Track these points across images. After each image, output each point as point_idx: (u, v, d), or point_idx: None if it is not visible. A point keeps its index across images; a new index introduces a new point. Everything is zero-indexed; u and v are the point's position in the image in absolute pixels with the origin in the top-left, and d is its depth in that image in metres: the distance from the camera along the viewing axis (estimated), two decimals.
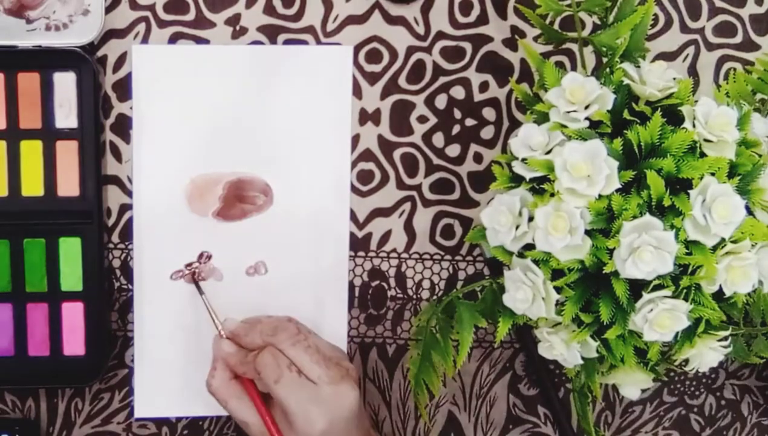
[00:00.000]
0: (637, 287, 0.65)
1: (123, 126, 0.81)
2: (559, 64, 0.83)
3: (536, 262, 0.66)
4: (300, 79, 0.82)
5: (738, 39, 0.85)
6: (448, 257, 0.85)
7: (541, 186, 0.66)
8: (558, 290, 0.66)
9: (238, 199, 0.82)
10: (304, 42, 0.82)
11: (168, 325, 0.82)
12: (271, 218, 0.82)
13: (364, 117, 0.83)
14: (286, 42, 0.82)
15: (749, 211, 0.66)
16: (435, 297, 0.85)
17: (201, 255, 0.82)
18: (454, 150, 0.84)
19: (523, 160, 0.67)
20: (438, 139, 0.84)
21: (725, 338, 0.69)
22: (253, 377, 0.75)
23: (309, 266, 0.83)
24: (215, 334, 0.78)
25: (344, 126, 0.82)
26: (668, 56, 0.84)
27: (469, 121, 0.84)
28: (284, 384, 0.73)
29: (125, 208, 0.82)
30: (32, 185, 0.80)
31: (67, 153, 0.80)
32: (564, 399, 0.86)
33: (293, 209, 0.82)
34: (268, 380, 0.73)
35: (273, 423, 0.74)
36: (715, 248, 0.65)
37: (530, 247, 0.66)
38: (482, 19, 0.83)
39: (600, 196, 0.64)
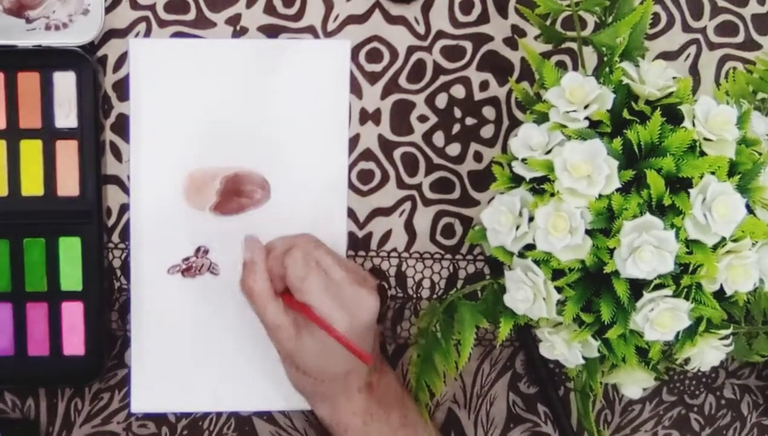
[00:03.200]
0: (637, 287, 0.65)
1: (123, 126, 0.81)
2: (561, 64, 0.83)
3: (537, 262, 0.66)
4: (298, 73, 0.82)
5: (740, 38, 0.85)
6: (448, 256, 0.85)
7: (541, 186, 0.66)
8: (559, 289, 0.66)
9: (236, 194, 0.82)
10: None
11: (165, 319, 0.82)
12: (268, 212, 0.82)
13: (365, 117, 0.83)
14: None
15: (749, 210, 0.66)
16: (435, 297, 0.85)
17: (198, 249, 0.82)
18: (454, 149, 0.84)
19: (523, 160, 0.67)
20: (438, 138, 0.84)
21: (726, 337, 0.69)
22: (279, 273, 0.76)
23: None
24: (245, 236, 0.77)
25: (342, 120, 0.82)
26: (670, 56, 0.84)
27: (469, 121, 0.84)
28: (311, 281, 0.74)
29: (125, 208, 0.82)
30: (32, 185, 0.80)
31: (67, 153, 0.80)
32: (563, 398, 0.86)
33: (291, 204, 0.82)
34: (295, 276, 0.74)
35: (320, 319, 0.74)
36: (715, 247, 0.65)
37: (531, 247, 0.66)
38: (483, 19, 0.83)
39: (600, 196, 0.64)
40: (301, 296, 0.74)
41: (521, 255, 0.67)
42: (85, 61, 0.78)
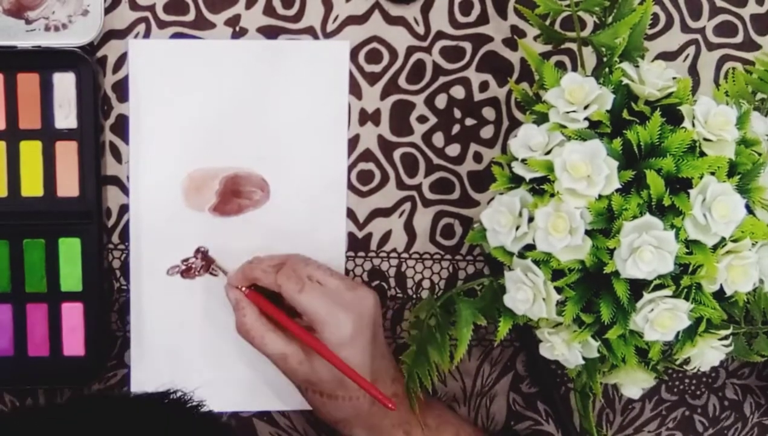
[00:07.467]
0: (637, 287, 0.65)
1: (123, 126, 0.81)
2: (560, 64, 0.83)
3: (537, 262, 0.66)
4: (297, 74, 0.81)
5: (739, 39, 0.85)
6: (448, 256, 0.85)
7: (541, 186, 0.66)
8: (559, 290, 0.66)
9: (235, 195, 0.82)
10: None
11: (164, 319, 0.82)
12: (267, 213, 0.82)
13: (364, 117, 0.83)
14: None
15: (749, 210, 0.66)
16: (435, 296, 0.85)
17: (197, 250, 0.82)
18: (454, 150, 0.84)
19: (523, 160, 0.67)
20: (438, 139, 0.84)
21: (726, 337, 0.69)
22: (275, 289, 0.76)
23: None
24: (228, 274, 0.79)
25: (341, 121, 0.82)
26: (669, 56, 0.84)
27: (469, 121, 0.84)
28: (308, 292, 0.74)
29: (125, 208, 0.82)
30: (32, 186, 0.80)
31: (67, 153, 0.80)
32: (564, 397, 0.86)
33: (290, 204, 0.82)
34: (292, 291, 0.74)
35: (307, 334, 0.75)
36: (715, 247, 0.65)
37: (530, 247, 0.66)
38: (482, 19, 0.83)
39: (600, 196, 0.64)
40: (301, 307, 0.74)
41: (521, 255, 0.67)
42: (84, 61, 0.78)
